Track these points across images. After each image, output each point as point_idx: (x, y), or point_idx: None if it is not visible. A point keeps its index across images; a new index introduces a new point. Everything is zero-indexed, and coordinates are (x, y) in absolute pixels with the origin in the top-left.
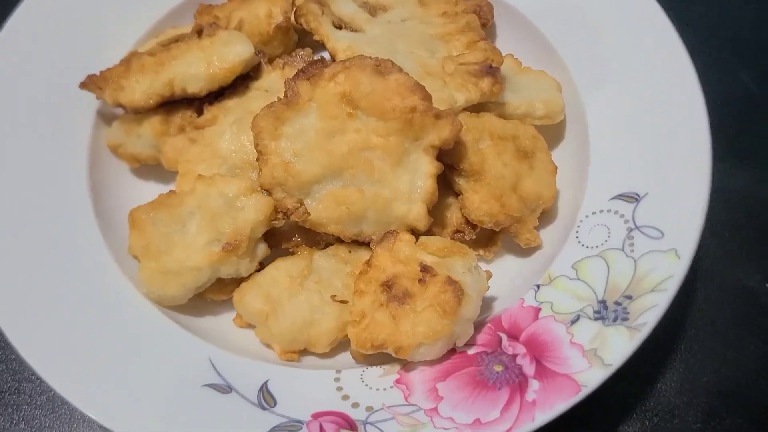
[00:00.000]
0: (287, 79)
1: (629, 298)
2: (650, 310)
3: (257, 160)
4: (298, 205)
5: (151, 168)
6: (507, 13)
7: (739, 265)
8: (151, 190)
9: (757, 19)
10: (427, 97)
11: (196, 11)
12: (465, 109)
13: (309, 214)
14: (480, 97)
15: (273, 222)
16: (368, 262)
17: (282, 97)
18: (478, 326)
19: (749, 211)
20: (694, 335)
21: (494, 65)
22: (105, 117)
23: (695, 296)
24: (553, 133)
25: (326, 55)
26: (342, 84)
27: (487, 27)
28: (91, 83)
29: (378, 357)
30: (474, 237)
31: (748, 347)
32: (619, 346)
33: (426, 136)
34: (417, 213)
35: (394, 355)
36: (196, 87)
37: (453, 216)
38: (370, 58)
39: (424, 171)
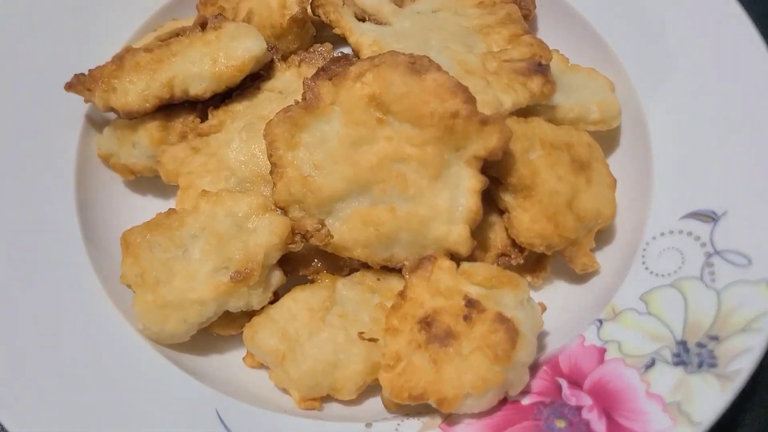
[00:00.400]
0: (306, 79)
1: (715, 339)
2: (743, 355)
3: (271, 173)
4: (319, 226)
5: (148, 180)
6: (550, 3)
7: None
8: (148, 207)
9: None
10: (470, 100)
11: (199, 1)
12: (511, 114)
13: (332, 236)
14: (529, 99)
15: (290, 246)
16: (402, 294)
17: (300, 100)
18: (532, 369)
19: None
20: None
21: (543, 62)
22: (95, 123)
23: None
24: (606, 139)
25: (348, 50)
26: (370, 84)
27: (529, 19)
28: (78, 84)
29: (417, 407)
30: (522, 261)
31: None
32: (708, 398)
33: (469, 146)
34: (458, 235)
35: (435, 406)
36: (199, 88)
37: (497, 237)
38: (402, 54)
39: (466, 186)
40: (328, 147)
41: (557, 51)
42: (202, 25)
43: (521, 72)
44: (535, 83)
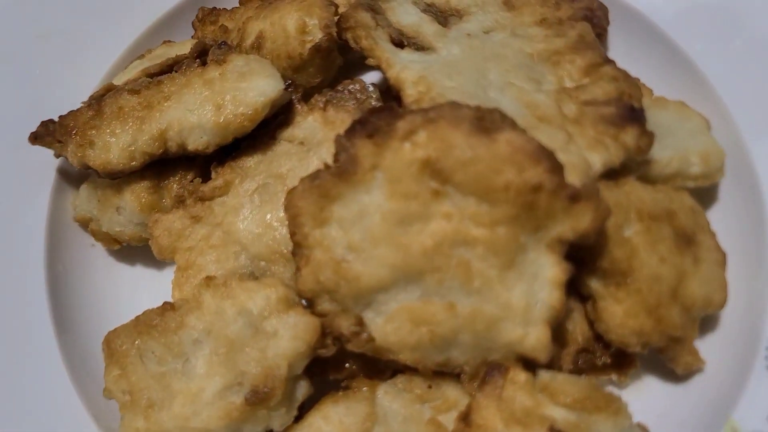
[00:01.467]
0: (338, 138)
1: None
2: None
3: (294, 254)
4: (358, 328)
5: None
6: (625, 15)
7: None
8: (137, 281)
9: None
10: (557, 169)
11: (195, 17)
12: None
13: (374, 339)
14: (623, 156)
15: (320, 351)
16: (465, 418)
17: (330, 162)
18: None
19: None
20: None
21: (636, 105)
22: (70, 178)
23: None
24: (703, 195)
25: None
26: (425, 146)
27: (601, 39)
28: (46, 135)
29: None
30: (609, 361)
31: None
32: None
33: (553, 227)
34: (537, 339)
35: None
36: (199, 142)
37: (576, 328)
38: (466, 106)
39: (547, 277)
40: (368, 224)
41: (638, 80)
42: (201, 54)
43: (610, 120)
44: (630, 135)
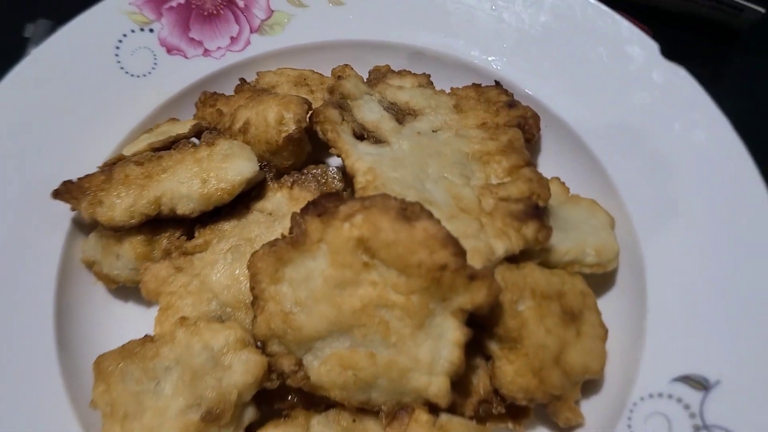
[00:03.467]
0: (294, 214)
1: None
2: None
3: (252, 304)
4: (296, 368)
5: (130, 288)
6: (554, 126)
7: None
8: (128, 316)
9: None
10: (460, 254)
11: (198, 99)
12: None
13: (308, 378)
14: (523, 246)
15: (265, 384)
16: None
17: (287, 233)
18: None
19: None
20: None
21: (541, 204)
22: (82, 226)
23: None
24: (600, 280)
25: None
26: (359, 227)
27: (531, 143)
28: (65, 192)
29: None
30: (503, 411)
31: None
32: None
33: (456, 298)
34: (438, 388)
35: None
36: (186, 208)
37: (480, 382)
38: (394, 199)
39: (450, 338)
40: (312, 285)
41: (558, 179)
42: (198, 134)
43: (517, 216)
44: (530, 229)
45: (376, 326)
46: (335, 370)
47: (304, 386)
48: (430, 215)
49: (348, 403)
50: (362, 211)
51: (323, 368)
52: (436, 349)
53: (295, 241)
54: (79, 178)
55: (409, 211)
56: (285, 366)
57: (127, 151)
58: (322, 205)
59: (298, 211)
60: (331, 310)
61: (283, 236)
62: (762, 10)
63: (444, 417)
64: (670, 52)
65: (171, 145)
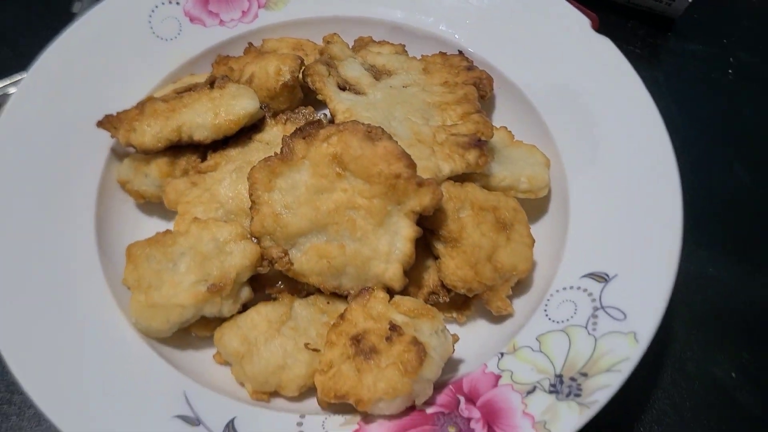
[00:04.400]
0: (284, 137)
1: (584, 375)
2: (602, 390)
3: (250, 208)
4: (283, 255)
5: (154, 205)
6: (506, 87)
7: (710, 355)
8: (152, 225)
9: (755, 116)
10: (411, 165)
11: (214, 61)
12: (450, 179)
13: (292, 264)
14: (465, 168)
15: (258, 268)
16: (342, 316)
17: (278, 152)
18: (440, 387)
19: (729, 302)
20: (656, 416)
21: (483, 138)
22: (118, 154)
23: (662, 379)
24: (538, 206)
25: (328, 113)
26: (334, 146)
27: (485, 99)
28: (107, 122)
29: (343, 407)
30: (447, 300)
31: (706, 430)
32: (568, 420)
33: (408, 202)
34: (393, 273)
35: (355, 407)
36: (201, 135)
37: (430, 278)
38: (362, 124)
39: (403, 234)
40: (297, 192)
41: (505, 128)
42: (211, 83)
43: (462, 145)
44: (472, 155)
45: (346, 224)
46: (313, 259)
47: (289, 272)
48: (390, 137)
49: (323, 288)
50: (337, 133)
51: (304, 258)
52: (392, 242)
53: (284, 157)
54: (118, 112)
55: (373, 133)
56: (274, 253)
57: (156, 95)
58: (306, 130)
59: (286, 135)
60: (311, 212)
61: (275, 154)
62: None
63: (397, 297)
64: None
65: (190, 90)
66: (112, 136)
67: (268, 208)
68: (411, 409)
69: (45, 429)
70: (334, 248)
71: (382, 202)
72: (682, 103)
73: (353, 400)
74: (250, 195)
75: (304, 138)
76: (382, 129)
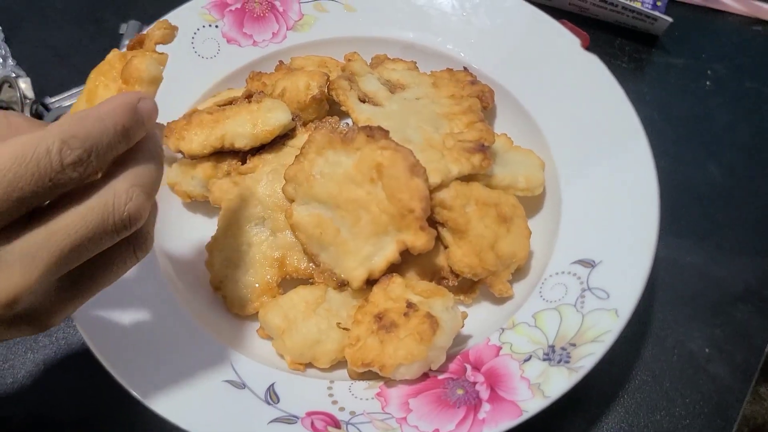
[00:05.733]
0: (355, 125)
1: (573, 345)
2: (588, 357)
3: (296, 156)
4: (292, 199)
5: (199, 203)
6: (507, 98)
7: (686, 331)
8: (197, 221)
9: (728, 121)
10: (425, 210)
11: (248, 77)
12: (458, 179)
13: (292, 216)
14: (471, 169)
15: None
16: (366, 299)
17: (344, 130)
18: (451, 357)
19: (704, 285)
20: (638, 385)
21: (486, 144)
22: (167, 160)
23: (643, 353)
24: (534, 203)
25: (350, 122)
26: (384, 158)
27: (487, 110)
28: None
29: (370, 375)
30: (456, 284)
31: (683, 399)
32: (558, 383)
33: (405, 234)
34: (358, 274)
35: (379, 373)
36: (242, 143)
37: (441, 265)
38: (414, 158)
39: (386, 254)
40: (336, 170)
41: (505, 134)
42: (248, 97)
43: (468, 150)
44: (477, 159)
45: (353, 216)
46: (312, 222)
47: (288, 218)
48: (426, 179)
49: (305, 249)
50: (393, 149)
51: (306, 217)
52: (374, 253)
53: (345, 138)
54: (168, 122)
55: (416, 169)
56: (287, 193)
57: (200, 107)
58: (372, 131)
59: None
60: (335, 190)
61: (341, 131)
62: (670, 19)
63: (413, 281)
64: (604, 51)
65: (230, 103)
66: (163, 144)
67: (309, 166)
68: (426, 375)
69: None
70: (331, 226)
71: (387, 220)
72: (663, 110)
73: (377, 366)
74: (303, 147)
75: (367, 135)
76: (425, 170)
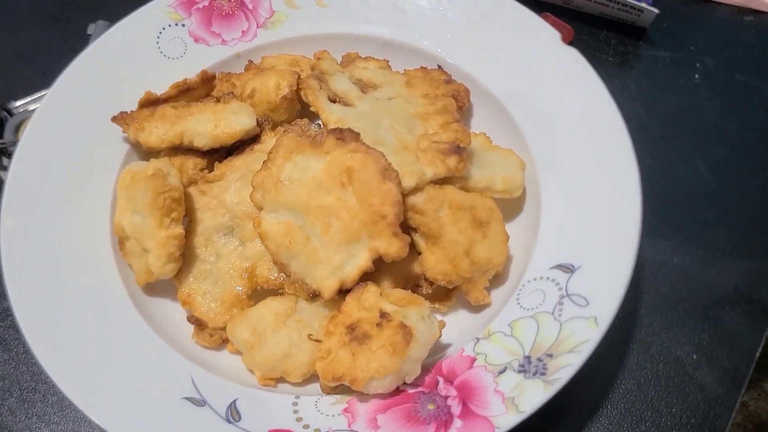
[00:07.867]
0: (325, 128)
1: (550, 356)
2: (565, 368)
3: (264, 162)
4: (261, 207)
5: None
6: (484, 96)
7: (672, 337)
8: None
9: (717, 114)
10: (398, 216)
11: (217, 78)
12: (432, 182)
13: (260, 226)
14: (446, 172)
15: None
16: (339, 308)
17: (312, 134)
18: (425, 368)
19: (691, 288)
20: (622, 394)
21: (462, 145)
22: (139, 152)
23: (627, 360)
24: (513, 205)
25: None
26: (354, 161)
27: (462, 109)
28: (120, 118)
29: (343, 389)
30: (430, 291)
31: (669, 408)
32: (533, 396)
33: (378, 241)
34: (329, 284)
35: (350, 386)
36: (200, 142)
37: (414, 272)
38: (386, 160)
39: (358, 262)
40: (304, 175)
41: (484, 134)
42: (204, 81)
43: (443, 151)
44: (452, 161)
45: (323, 223)
46: (281, 232)
47: (256, 227)
48: (399, 184)
49: (274, 258)
50: (364, 152)
51: (274, 225)
52: (345, 262)
53: (314, 141)
54: (132, 111)
55: (388, 172)
56: (254, 201)
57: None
58: (343, 134)
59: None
60: (304, 196)
61: (310, 135)
62: (656, 10)
63: (387, 289)
64: (588, 44)
65: (187, 89)
66: (123, 132)
67: (276, 171)
68: (398, 390)
69: (68, 414)
70: (300, 235)
71: (359, 226)
72: (650, 105)
73: (349, 380)
74: (270, 152)
75: (337, 138)
76: (398, 174)
